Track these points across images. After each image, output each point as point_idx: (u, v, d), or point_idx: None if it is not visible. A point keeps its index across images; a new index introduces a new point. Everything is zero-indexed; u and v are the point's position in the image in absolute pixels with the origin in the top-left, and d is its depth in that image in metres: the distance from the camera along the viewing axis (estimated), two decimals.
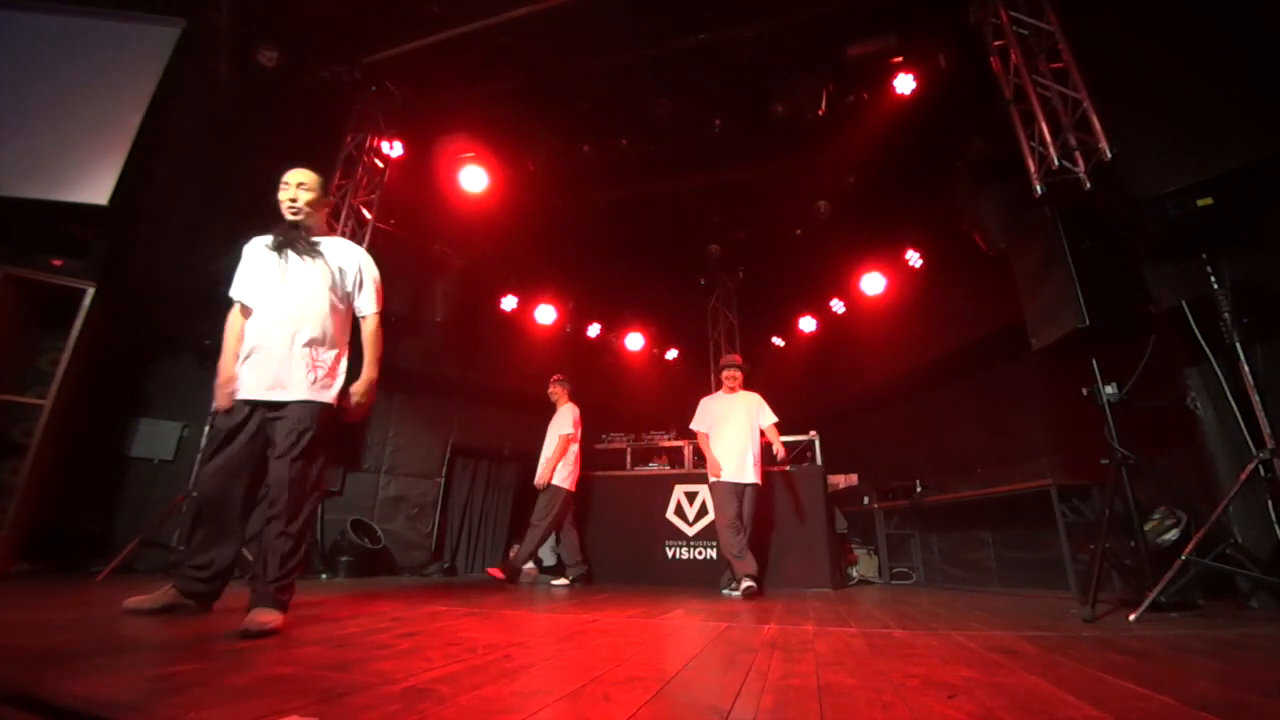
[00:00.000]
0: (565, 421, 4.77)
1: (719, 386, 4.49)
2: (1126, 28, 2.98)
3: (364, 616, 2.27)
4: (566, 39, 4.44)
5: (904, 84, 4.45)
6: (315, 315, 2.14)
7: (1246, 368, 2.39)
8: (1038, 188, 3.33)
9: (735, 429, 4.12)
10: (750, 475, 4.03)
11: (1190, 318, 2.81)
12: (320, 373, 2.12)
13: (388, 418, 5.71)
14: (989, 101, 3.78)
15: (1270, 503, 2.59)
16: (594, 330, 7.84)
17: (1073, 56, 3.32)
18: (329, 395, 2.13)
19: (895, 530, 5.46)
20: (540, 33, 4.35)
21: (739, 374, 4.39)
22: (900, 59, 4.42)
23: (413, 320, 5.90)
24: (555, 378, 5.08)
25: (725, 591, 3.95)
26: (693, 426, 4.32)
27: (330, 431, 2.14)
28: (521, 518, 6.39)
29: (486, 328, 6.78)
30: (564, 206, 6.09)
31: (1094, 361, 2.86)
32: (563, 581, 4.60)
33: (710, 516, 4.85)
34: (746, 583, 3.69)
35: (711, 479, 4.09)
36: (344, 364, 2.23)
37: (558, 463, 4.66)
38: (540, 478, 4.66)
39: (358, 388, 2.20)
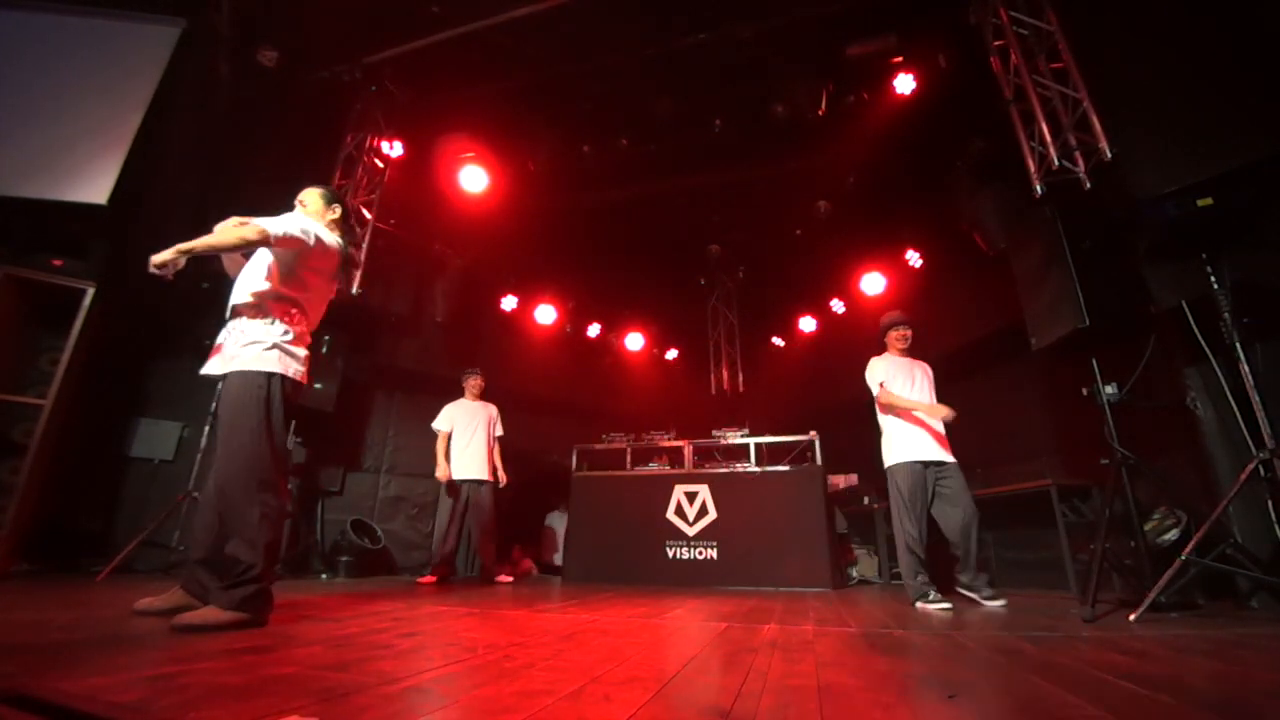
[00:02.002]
0: (499, 423, 4.92)
1: (883, 350, 3.80)
2: (1126, 27, 2.98)
3: (364, 616, 2.27)
4: (566, 39, 4.45)
5: (904, 84, 4.45)
6: (243, 287, 2.14)
7: (1246, 368, 2.39)
8: (1038, 188, 3.33)
9: (920, 396, 3.49)
10: (943, 452, 3.28)
11: (1190, 318, 2.80)
12: (240, 341, 2.07)
13: (388, 418, 5.71)
14: (989, 101, 3.78)
15: (1270, 503, 2.59)
16: (594, 330, 7.84)
17: (1073, 56, 3.32)
18: (249, 363, 2.03)
19: None
20: (540, 33, 4.35)
21: (910, 331, 3.68)
22: (900, 59, 4.43)
23: (413, 320, 5.91)
24: (478, 369, 5.10)
25: (921, 604, 2.98)
26: (871, 378, 3.64)
27: (256, 398, 2.01)
28: (522, 518, 6.41)
29: (486, 328, 6.78)
30: (564, 206, 6.10)
31: (1094, 361, 2.86)
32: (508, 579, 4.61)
33: (711, 516, 4.85)
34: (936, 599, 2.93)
35: (897, 460, 3.36)
36: (278, 330, 2.11)
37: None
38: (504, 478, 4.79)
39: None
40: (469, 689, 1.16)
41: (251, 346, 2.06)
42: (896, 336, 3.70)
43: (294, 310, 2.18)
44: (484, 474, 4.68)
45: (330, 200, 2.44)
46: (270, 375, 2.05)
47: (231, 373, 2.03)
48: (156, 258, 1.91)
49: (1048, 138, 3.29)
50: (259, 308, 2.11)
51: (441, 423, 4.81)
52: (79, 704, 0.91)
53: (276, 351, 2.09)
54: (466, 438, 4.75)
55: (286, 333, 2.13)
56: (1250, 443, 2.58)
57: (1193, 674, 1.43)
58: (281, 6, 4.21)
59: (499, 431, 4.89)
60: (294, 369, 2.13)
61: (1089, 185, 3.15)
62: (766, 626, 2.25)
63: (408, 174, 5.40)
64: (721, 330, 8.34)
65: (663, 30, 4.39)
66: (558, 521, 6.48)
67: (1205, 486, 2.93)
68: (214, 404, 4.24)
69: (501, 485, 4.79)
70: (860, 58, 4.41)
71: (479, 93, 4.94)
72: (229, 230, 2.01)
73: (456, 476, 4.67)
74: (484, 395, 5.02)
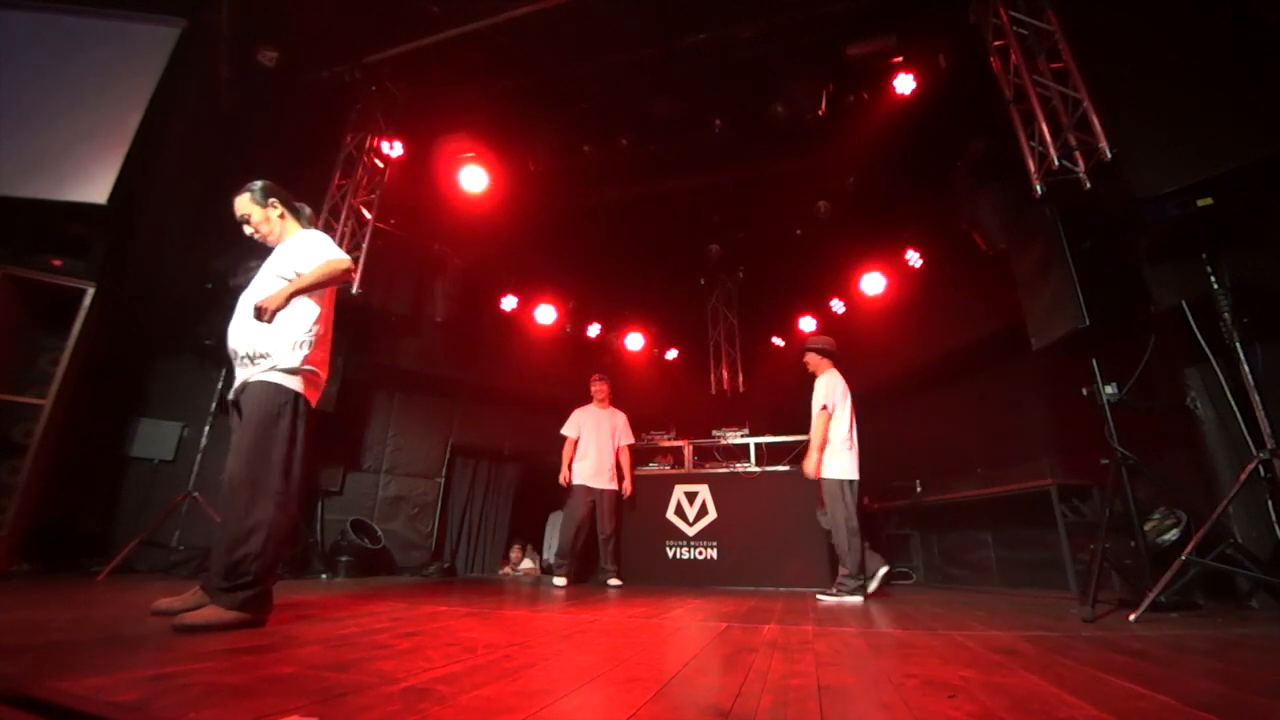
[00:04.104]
0: (630, 432, 5.06)
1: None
2: (1127, 27, 2.98)
3: (364, 616, 2.27)
4: (566, 39, 4.44)
5: (904, 84, 4.45)
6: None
7: (1246, 368, 2.39)
8: (1038, 188, 3.33)
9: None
10: None
11: (1190, 318, 2.80)
12: (259, 348, 2.05)
13: (388, 418, 5.71)
14: (989, 101, 3.78)
15: (1270, 503, 2.59)
16: (594, 330, 7.83)
17: (1073, 56, 3.32)
18: (272, 372, 2.03)
19: (895, 530, 5.45)
20: (540, 33, 4.35)
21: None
22: (900, 59, 4.42)
23: (413, 320, 5.90)
24: (599, 375, 5.22)
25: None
26: (828, 404, 4.01)
27: (280, 411, 2.01)
28: (522, 518, 6.41)
29: (486, 328, 6.77)
30: (564, 206, 6.09)
31: (1094, 361, 2.86)
32: (563, 581, 4.67)
33: (711, 516, 4.85)
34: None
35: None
36: (299, 334, 2.10)
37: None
38: (628, 489, 4.94)
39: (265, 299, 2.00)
40: (469, 689, 1.15)
41: (280, 361, 2.05)
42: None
43: (320, 332, 2.19)
44: (604, 482, 4.82)
45: (265, 197, 2.26)
46: (297, 394, 2.07)
47: (255, 382, 2.03)
48: (269, 304, 1.96)
49: (1048, 138, 3.29)
50: (290, 335, 2.09)
51: (569, 429, 4.96)
52: (79, 704, 0.91)
53: (303, 376, 2.10)
54: (591, 445, 4.88)
55: (318, 369, 2.16)
56: (1250, 443, 2.57)
57: (1193, 674, 1.43)
58: (281, 6, 4.21)
59: (627, 439, 5.00)
60: (315, 391, 2.16)
61: (1089, 185, 3.14)
62: (766, 626, 2.25)
63: (408, 174, 5.39)
64: (721, 330, 8.33)
65: (663, 30, 4.39)
66: (558, 521, 6.48)
67: (1205, 486, 2.93)
68: (214, 403, 4.28)
69: (625, 495, 4.93)
70: (860, 58, 4.40)
71: (479, 93, 4.93)
72: (331, 265, 2.11)
73: (577, 481, 4.80)
74: (611, 400, 5.17)
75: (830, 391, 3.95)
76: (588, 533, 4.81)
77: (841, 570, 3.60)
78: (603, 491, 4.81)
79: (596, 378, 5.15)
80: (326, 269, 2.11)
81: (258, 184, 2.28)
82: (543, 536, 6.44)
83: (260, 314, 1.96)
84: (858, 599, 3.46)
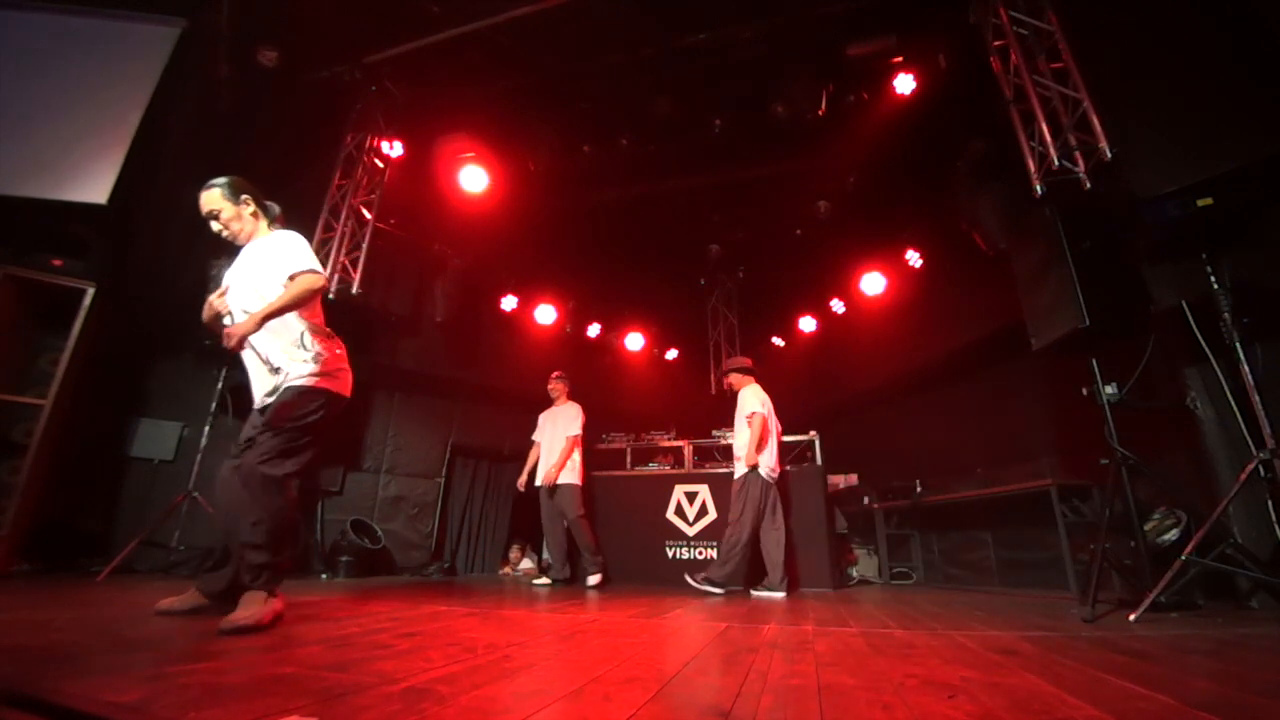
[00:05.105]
0: (576, 423, 4.85)
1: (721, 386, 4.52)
2: (1126, 27, 2.98)
3: (364, 616, 2.27)
4: (566, 39, 4.44)
5: (904, 84, 4.45)
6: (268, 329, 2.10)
7: (1246, 368, 2.39)
8: (1038, 188, 3.33)
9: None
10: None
11: (1190, 318, 2.80)
12: (274, 360, 2.07)
13: (388, 418, 5.71)
14: (989, 101, 3.78)
15: (1270, 503, 2.60)
16: (594, 330, 7.83)
17: (1073, 56, 3.31)
18: (285, 377, 2.06)
19: (895, 530, 5.45)
20: (540, 33, 4.34)
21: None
22: (900, 59, 4.42)
23: (413, 320, 5.90)
24: (557, 374, 5.12)
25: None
26: (760, 411, 4.13)
27: (305, 411, 2.06)
28: (522, 518, 6.40)
29: (486, 328, 6.77)
30: (564, 206, 6.09)
31: (1094, 361, 2.86)
32: (544, 581, 4.68)
33: (711, 516, 4.85)
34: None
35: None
36: (304, 342, 2.12)
37: (567, 461, 4.75)
38: (550, 478, 4.68)
39: (233, 326, 1.98)
40: (469, 689, 1.15)
41: (297, 371, 2.08)
42: None
43: (324, 333, 2.20)
44: (550, 479, 4.70)
45: (236, 193, 2.20)
46: (327, 393, 2.11)
47: (285, 388, 2.05)
48: (237, 331, 1.92)
49: (1048, 138, 3.29)
50: (298, 340, 2.11)
51: (536, 433, 4.97)
52: (79, 704, 0.91)
53: (325, 376, 2.13)
54: (545, 444, 4.87)
55: (336, 357, 2.19)
56: (1250, 443, 2.57)
57: (1193, 674, 1.43)
58: (281, 6, 4.21)
59: (570, 430, 4.80)
60: (343, 383, 2.21)
61: (1089, 185, 3.14)
62: (766, 626, 2.25)
63: (408, 174, 5.39)
64: (721, 330, 8.33)
65: (663, 30, 4.39)
66: None
67: (1205, 486, 2.93)
68: (214, 403, 4.27)
69: (561, 485, 4.72)
70: (860, 58, 4.40)
71: (479, 93, 4.93)
72: (304, 286, 2.02)
73: (538, 483, 4.79)
74: (572, 396, 5.06)
75: (755, 400, 4.17)
76: (566, 532, 4.77)
77: (717, 566, 3.97)
78: (555, 488, 4.70)
79: (552, 376, 5.09)
80: (298, 290, 2.01)
81: (225, 179, 2.20)
82: (542, 536, 6.43)
83: (229, 340, 1.95)
84: (715, 590, 3.82)
